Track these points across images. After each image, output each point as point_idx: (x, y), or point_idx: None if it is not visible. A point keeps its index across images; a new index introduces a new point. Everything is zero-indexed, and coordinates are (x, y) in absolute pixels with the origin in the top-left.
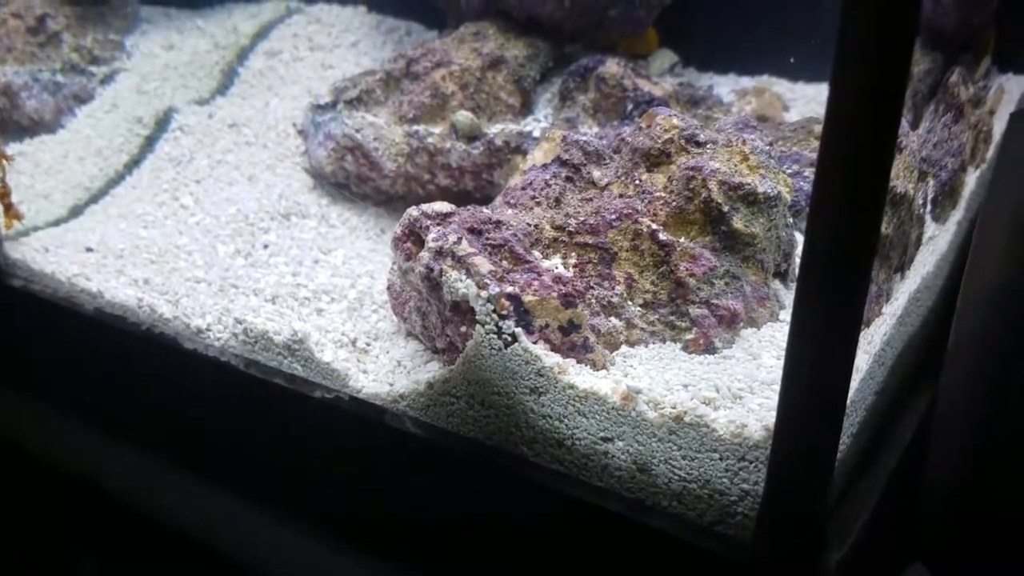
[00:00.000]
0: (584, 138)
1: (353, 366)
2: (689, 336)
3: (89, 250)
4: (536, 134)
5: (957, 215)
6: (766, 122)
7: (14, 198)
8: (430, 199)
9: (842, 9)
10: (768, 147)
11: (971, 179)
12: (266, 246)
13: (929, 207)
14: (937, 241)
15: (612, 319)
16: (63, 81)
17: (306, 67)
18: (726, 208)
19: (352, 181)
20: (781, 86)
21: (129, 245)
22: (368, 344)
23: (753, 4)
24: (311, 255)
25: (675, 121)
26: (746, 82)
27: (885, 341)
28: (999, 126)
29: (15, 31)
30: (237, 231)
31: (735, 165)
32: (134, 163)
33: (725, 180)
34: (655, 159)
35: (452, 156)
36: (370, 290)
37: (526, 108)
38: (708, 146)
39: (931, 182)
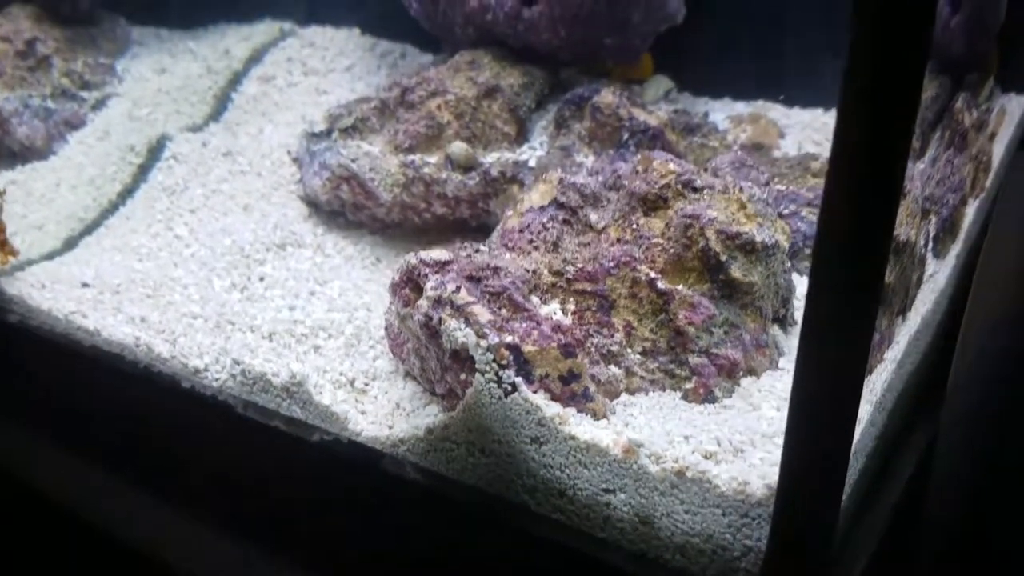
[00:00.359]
0: (580, 181)
1: (352, 407)
2: (689, 385)
3: (85, 285)
4: (532, 163)
5: (956, 248)
6: (761, 150)
7: (8, 229)
8: (425, 227)
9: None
10: (765, 195)
11: (970, 210)
12: (262, 278)
13: (930, 245)
14: (937, 277)
15: (612, 367)
16: (54, 107)
17: (300, 92)
18: (724, 257)
19: (348, 209)
20: (776, 111)
21: (125, 279)
22: (366, 384)
23: (747, 29)
24: (307, 287)
25: (672, 166)
26: (741, 107)
27: (886, 387)
28: (999, 149)
29: (4, 55)
30: (233, 263)
31: (732, 213)
32: (127, 192)
33: (723, 229)
34: (652, 203)
35: (448, 186)
36: (367, 325)
37: (522, 136)
38: (705, 192)
39: (933, 219)
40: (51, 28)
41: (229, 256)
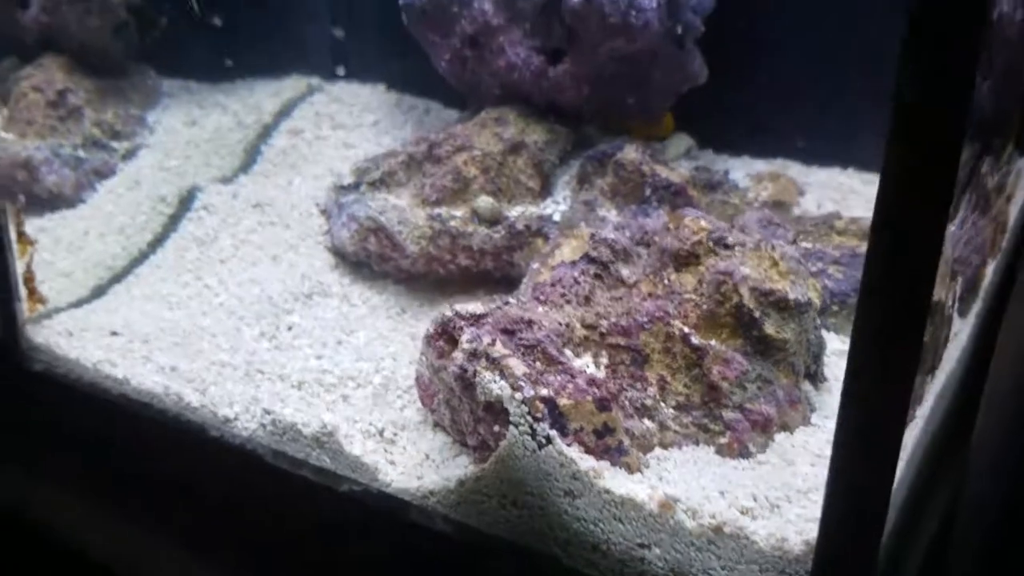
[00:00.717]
0: (612, 236)
1: (381, 458)
2: (723, 440)
3: (114, 334)
4: (556, 218)
5: (977, 306)
6: (782, 207)
7: (36, 277)
8: (450, 278)
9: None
10: (796, 252)
11: (989, 270)
12: (290, 328)
13: (956, 305)
14: (960, 335)
15: (646, 421)
16: (84, 156)
17: (328, 146)
18: (758, 314)
19: (373, 260)
20: (795, 170)
21: (154, 328)
22: (395, 434)
23: (765, 89)
24: (334, 336)
25: (703, 223)
26: (760, 165)
27: (916, 444)
28: (1014, 211)
29: (35, 105)
30: (261, 312)
31: (765, 271)
32: (158, 242)
33: (756, 286)
34: (684, 260)
35: (474, 240)
36: (394, 375)
37: (546, 190)
38: (737, 249)
39: (960, 280)
40: (82, 79)
41: (258, 305)
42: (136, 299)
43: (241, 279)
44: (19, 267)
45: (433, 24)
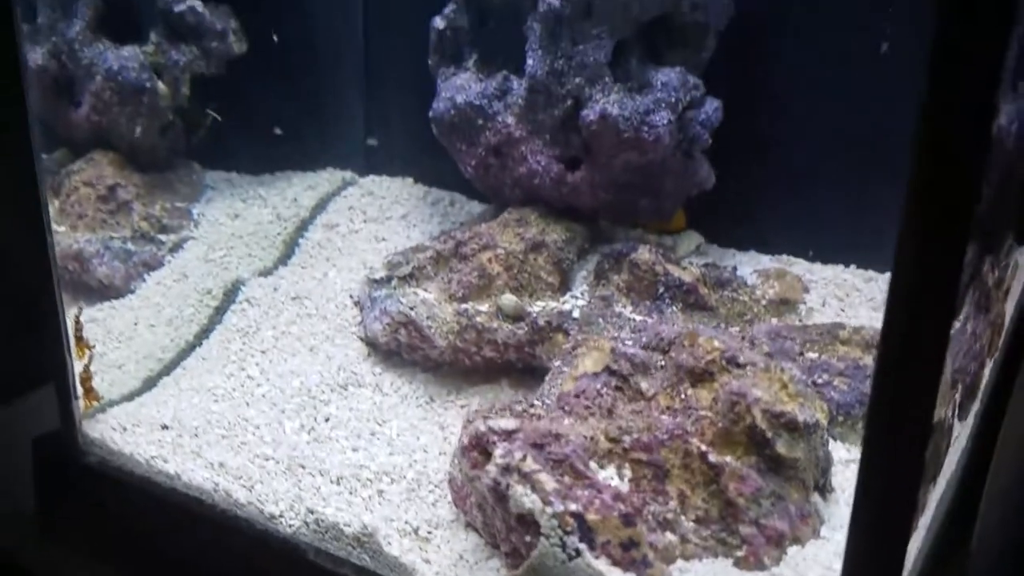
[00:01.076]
0: (631, 351)
1: (417, 557)
2: (740, 553)
3: (165, 427)
4: (575, 314)
5: (975, 407)
6: (788, 304)
7: (93, 376)
8: (475, 368)
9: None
10: (802, 375)
11: (986, 371)
12: (327, 419)
13: (956, 411)
14: (960, 438)
15: (668, 534)
16: (133, 249)
17: (361, 239)
18: (770, 434)
19: (403, 350)
20: (800, 266)
21: (202, 421)
22: (430, 532)
23: (771, 188)
24: (368, 427)
25: (716, 343)
26: (767, 261)
27: (917, 553)
28: (1010, 305)
29: (87, 199)
30: (301, 405)
31: (776, 392)
32: (204, 333)
33: (768, 408)
34: (699, 376)
35: (499, 334)
36: (426, 469)
37: (565, 285)
38: (748, 368)
39: (960, 387)
40: (131, 174)
41: (298, 398)
42: (184, 391)
43: (281, 370)
44: (78, 368)
45: (460, 135)
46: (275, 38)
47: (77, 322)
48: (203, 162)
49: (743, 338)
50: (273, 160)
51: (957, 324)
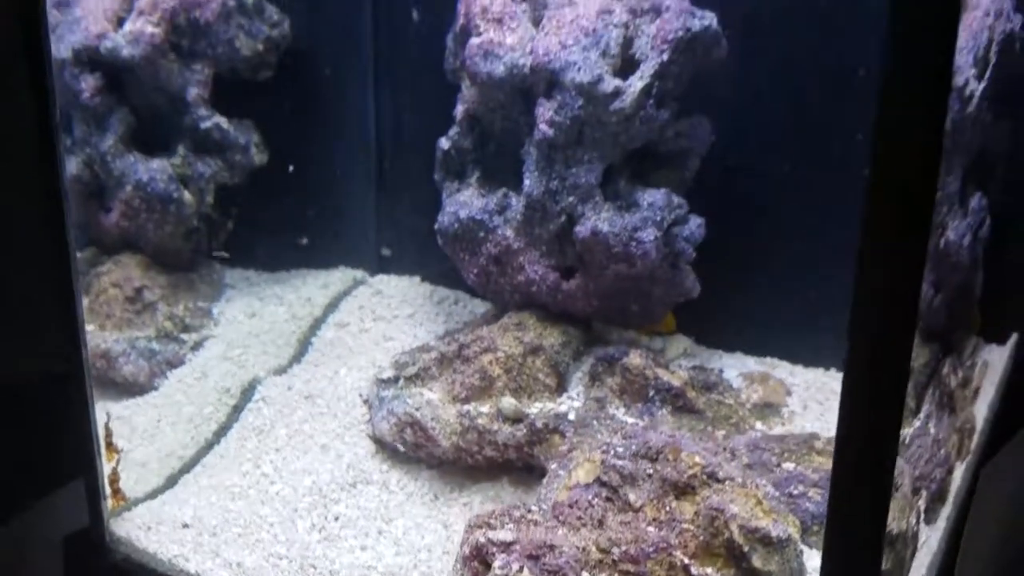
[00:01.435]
0: (620, 462)
1: None
2: None
3: (186, 526)
4: (571, 416)
5: (946, 510)
6: (771, 407)
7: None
8: (477, 466)
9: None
10: (776, 492)
11: (957, 474)
12: (337, 518)
13: (922, 517)
14: (929, 541)
15: None
16: (157, 348)
17: (370, 338)
18: (746, 548)
19: (409, 448)
20: (783, 369)
21: (220, 520)
22: None
23: (755, 293)
24: (375, 525)
25: (697, 459)
26: (752, 363)
27: None
28: (982, 407)
29: (114, 300)
30: (312, 504)
31: (751, 508)
32: (222, 431)
33: (744, 524)
34: (682, 489)
35: (499, 436)
36: (430, 570)
37: (561, 387)
38: (727, 483)
39: (924, 494)
40: (157, 275)
41: (309, 497)
42: (204, 489)
43: (294, 468)
44: (106, 469)
45: (463, 246)
46: (290, 168)
47: (107, 428)
48: (222, 261)
49: (724, 448)
50: (289, 259)
51: (912, 429)
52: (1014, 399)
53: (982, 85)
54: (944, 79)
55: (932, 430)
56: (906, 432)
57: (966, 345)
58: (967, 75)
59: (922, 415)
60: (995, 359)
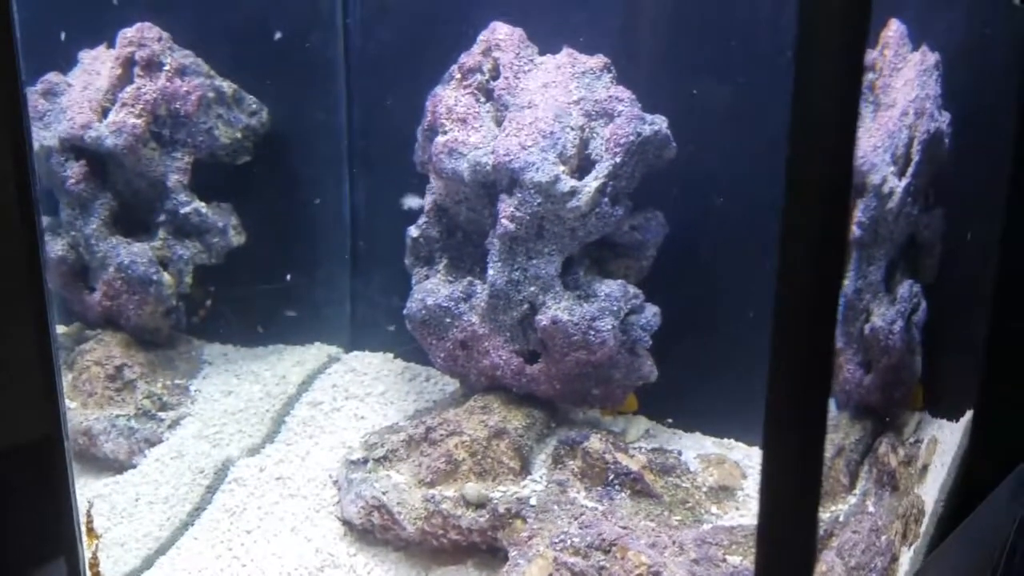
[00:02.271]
0: (571, 560)
1: None
2: None
3: None
4: (533, 502)
5: None
6: (727, 491)
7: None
8: (442, 549)
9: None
10: None
11: (905, 559)
12: None
13: None
14: None
15: None
16: (136, 426)
17: (342, 417)
18: None
19: (376, 531)
20: (739, 451)
21: None
22: None
23: (712, 375)
24: None
25: (643, 558)
26: (709, 444)
27: None
28: (932, 488)
29: (96, 378)
30: None
31: None
32: (196, 512)
33: None
34: None
35: (463, 520)
36: None
37: (525, 469)
38: None
39: None
40: (137, 353)
41: None
42: (178, 572)
43: (264, 551)
44: (87, 554)
45: (431, 331)
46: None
47: (88, 514)
48: (201, 335)
49: (674, 542)
50: (267, 335)
51: (848, 506)
52: (968, 478)
53: (905, 181)
54: (843, 180)
55: (871, 508)
56: (841, 508)
57: (906, 422)
58: (884, 173)
59: (858, 491)
60: (946, 436)
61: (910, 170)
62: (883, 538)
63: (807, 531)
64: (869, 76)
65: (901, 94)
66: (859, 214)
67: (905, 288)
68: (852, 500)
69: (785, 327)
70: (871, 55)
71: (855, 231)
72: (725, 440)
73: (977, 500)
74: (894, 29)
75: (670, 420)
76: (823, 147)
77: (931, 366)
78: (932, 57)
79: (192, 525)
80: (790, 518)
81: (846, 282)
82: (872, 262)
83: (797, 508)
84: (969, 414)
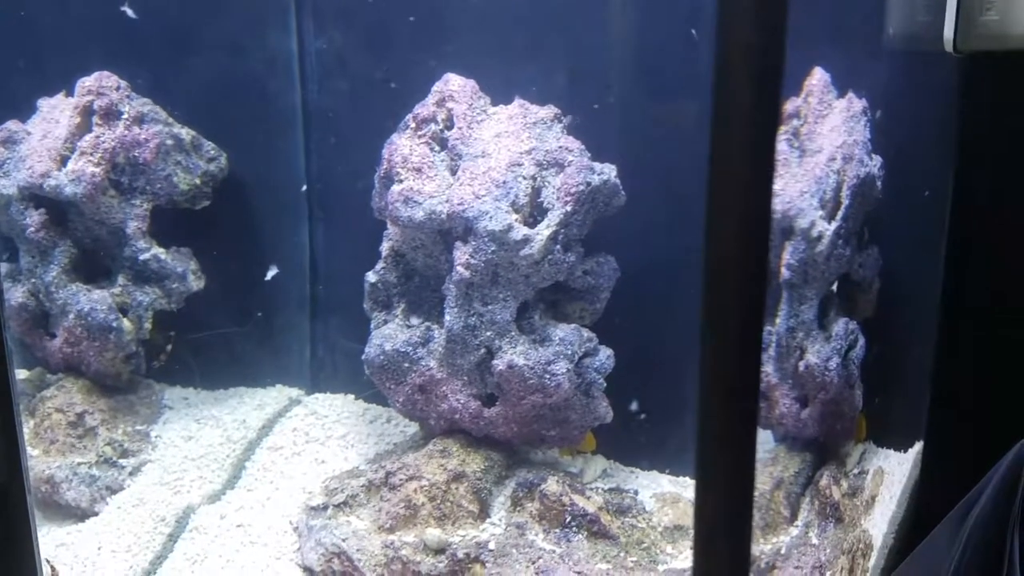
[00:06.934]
0: None
1: None
2: None
3: None
4: (492, 546)
5: None
6: (680, 530)
7: None
8: None
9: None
10: None
11: None
12: None
13: None
14: None
15: None
16: (97, 474)
17: (303, 461)
18: None
19: None
20: (693, 489)
21: None
22: None
23: (666, 416)
24: None
25: None
26: (665, 482)
27: None
28: (881, 521)
29: (58, 425)
30: None
31: None
32: (158, 561)
33: None
34: None
35: (422, 567)
36: None
37: (484, 513)
38: None
39: None
40: (98, 399)
41: None
42: None
43: None
44: None
45: (389, 375)
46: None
47: (53, 570)
48: (160, 378)
49: None
50: (227, 378)
51: (790, 538)
52: (920, 508)
53: (835, 224)
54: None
55: (815, 540)
56: (783, 540)
57: (850, 453)
58: (812, 217)
59: (800, 523)
60: (893, 466)
61: (840, 213)
62: (828, 574)
63: (740, 556)
64: (794, 123)
65: (827, 140)
66: (788, 256)
67: (840, 325)
68: (794, 532)
69: (710, 354)
70: (795, 103)
71: (784, 272)
72: (680, 478)
73: (930, 531)
74: (818, 77)
75: (627, 459)
76: (740, 179)
77: (874, 398)
78: (859, 103)
79: (154, 574)
80: (723, 548)
81: (778, 321)
82: (804, 302)
83: (729, 535)
84: (919, 445)
